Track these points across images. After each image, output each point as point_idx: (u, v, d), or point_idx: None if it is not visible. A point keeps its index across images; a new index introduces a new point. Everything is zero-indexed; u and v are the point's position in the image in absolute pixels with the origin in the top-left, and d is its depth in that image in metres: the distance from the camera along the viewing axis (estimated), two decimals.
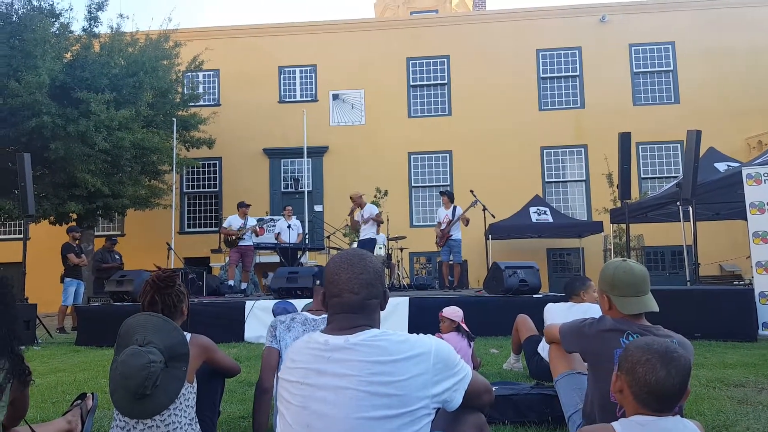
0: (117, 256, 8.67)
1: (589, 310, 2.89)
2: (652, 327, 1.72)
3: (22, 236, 7.97)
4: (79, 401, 2.46)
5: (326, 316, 2.14)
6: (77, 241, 8.01)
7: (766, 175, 5.82)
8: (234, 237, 8.09)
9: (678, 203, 7.54)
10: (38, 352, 5.48)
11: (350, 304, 1.21)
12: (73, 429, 2.27)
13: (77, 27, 11.00)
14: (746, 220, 5.89)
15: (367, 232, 7.83)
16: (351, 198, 8.14)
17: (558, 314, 2.95)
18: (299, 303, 4.23)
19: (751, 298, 5.35)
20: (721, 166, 8.26)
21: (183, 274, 7.50)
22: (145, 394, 1.65)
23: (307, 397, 1.14)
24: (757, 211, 5.76)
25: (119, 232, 13.87)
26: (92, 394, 2.55)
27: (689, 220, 6.83)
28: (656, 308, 1.73)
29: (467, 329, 3.34)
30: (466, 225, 7.77)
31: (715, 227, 10.88)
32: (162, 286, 1.89)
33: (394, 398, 1.09)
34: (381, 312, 1.28)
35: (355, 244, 8.39)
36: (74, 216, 10.72)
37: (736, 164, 8.04)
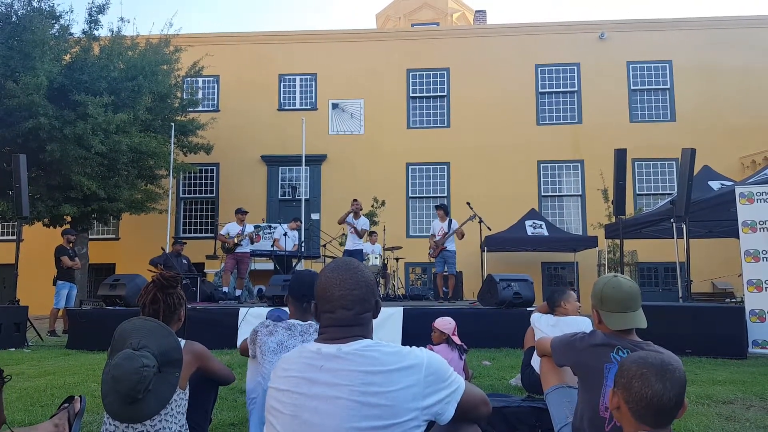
0: (184, 261, 8.30)
1: (574, 322, 2.92)
2: (642, 342, 1.74)
3: (15, 238, 7.89)
4: (66, 404, 2.43)
5: (311, 322, 2.15)
6: (71, 244, 7.96)
7: (758, 194, 5.89)
8: (231, 244, 8.08)
9: (672, 220, 7.60)
10: (28, 355, 5.41)
11: (343, 320, 1.22)
12: None
13: (77, 29, 11.06)
14: (738, 238, 5.95)
15: (357, 242, 8.05)
16: (356, 201, 8.13)
17: (546, 328, 2.97)
18: None
19: (741, 316, 5.39)
20: (715, 185, 8.34)
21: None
22: (137, 398, 1.65)
23: (299, 406, 1.14)
24: (749, 229, 5.83)
25: (114, 236, 13.79)
26: (80, 397, 2.52)
27: (683, 237, 6.88)
28: (643, 325, 1.74)
29: (459, 341, 3.34)
30: (461, 239, 7.89)
31: (708, 245, 10.96)
32: (166, 285, 1.91)
33: (385, 409, 1.09)
34: (374, 321, 1.29)
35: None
36: (68, 218, 10.66)
37: (730, 183, 8.13)
